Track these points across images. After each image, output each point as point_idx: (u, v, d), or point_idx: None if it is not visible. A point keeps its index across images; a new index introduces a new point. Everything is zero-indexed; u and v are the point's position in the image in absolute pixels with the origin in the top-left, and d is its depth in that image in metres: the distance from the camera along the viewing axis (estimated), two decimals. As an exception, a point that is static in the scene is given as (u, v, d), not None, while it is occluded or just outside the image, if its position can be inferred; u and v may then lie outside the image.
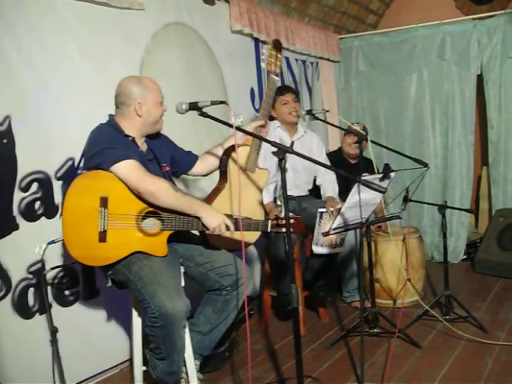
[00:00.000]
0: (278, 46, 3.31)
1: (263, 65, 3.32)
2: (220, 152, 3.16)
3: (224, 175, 3.09)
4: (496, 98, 5.54)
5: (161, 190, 2.63)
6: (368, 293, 4.10)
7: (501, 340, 3.53)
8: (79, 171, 3.13)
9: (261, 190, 3.23)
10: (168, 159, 2.98)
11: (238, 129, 2.59)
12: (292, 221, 2.64)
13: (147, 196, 2.62)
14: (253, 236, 3.07)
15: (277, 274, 3.97)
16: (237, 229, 2.70)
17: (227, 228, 2.69)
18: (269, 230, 2.77)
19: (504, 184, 5.61)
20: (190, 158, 3.17)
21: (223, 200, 3.04)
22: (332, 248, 3.84)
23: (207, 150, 3.26)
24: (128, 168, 2.61)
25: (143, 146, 2.85)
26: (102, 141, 2.65)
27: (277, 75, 3.31)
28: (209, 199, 3.08)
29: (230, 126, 2.54)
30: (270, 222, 2.76)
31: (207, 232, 2.72)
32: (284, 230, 2.71)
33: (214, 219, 2.67)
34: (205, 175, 3.29)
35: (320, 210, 3.74)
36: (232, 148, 3.09)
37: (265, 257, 4.14)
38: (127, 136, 2.74)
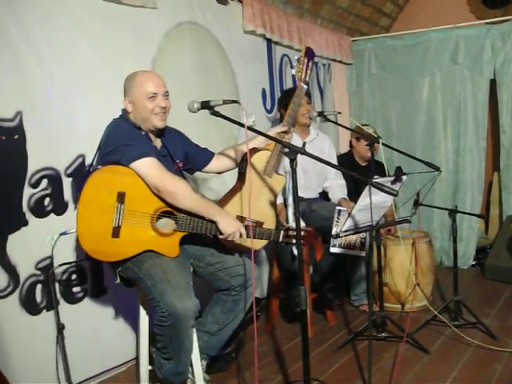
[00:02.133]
0: (310, 54, 3.30)
1: (293, 71, 3.33)
2: (234, 154, 3.17)
3: (242, 177, 3.08)
4: (509, 103, 5.52)
5: (180, 191, 2.63)
6: (376, 296, 4.07)
7: (510, 347, 3.50)
8: (92, 169, 3.13)
9: (275, 196, 3.23)
10: (181, 156, 2.98)
11: (250, 129, 2.57)
12: (303, 233, 2.67)
13: (166, 195, 2.62)
14: (260, 243, 3.05)
15: (286, 276, 3.96)
16: (249, 236, 2.70)
17: (240, 235, 2.70)
18: (280, 239, 2.79)
19: (515, 190, 5.58)
20: (206, 156, 3.16)
21: (238, 201, 3.05)
22: (349, 249, 3.78)
23: (224, 149, 3.29)
24: (148, 165, 2.61)
25: (156, 142, 2.85)
26: (118, 136, 2.66)
27: (306, 83, 3.31)
28: (225, 199, 3.09)
29: (242, 125, 2.53)
30: (281, 232, 2.78)
31: (220, 237, 2.72)
32: (294, 241, 2.72)
33: (230, 226, 2.68)
34: (218, 173, 3.33)
35: (338, 207, 3.70)
36: (253, 150, 3.09)
37: (274, 259, 4.12)
38: (140, 129, 2.75)
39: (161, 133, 2.86)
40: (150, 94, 2.71)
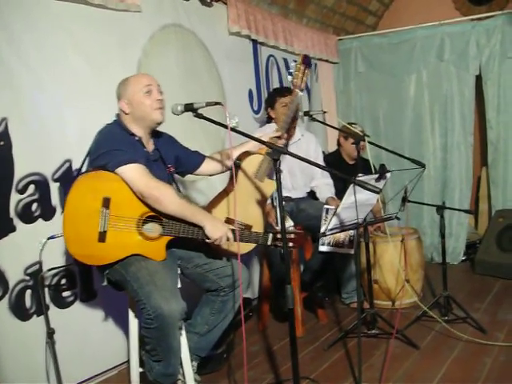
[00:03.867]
0: (307, 61, 3.33)
1: (289, 78, 3.37)
2: (225, 157, 3.19)
3: (233, 180, 3.10)
4: (495, 99, 5.54)
5: (165, 196, 2.63)
6: (366, 294, 4.09)
7: (499, 341, 3.53)
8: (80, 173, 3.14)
9: (266, 200, 3.23)
10: (172, 160, 2.99)
11: (234, 130, 2.59)
12: (292, 235, 2.69)
13: (151, 201, 2.63)
14: (247, 247, 3.03)
15: (275, 278, 3.97)
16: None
17: (227, 239, 2.71)
18: (268, 243, 2.80)
19: (503, 185, 5.61)
20: (197, 159, 3.18)
21: (228, 204, 3.05)
22: (338, 247, 3.80)
23: (217, 151, 3.32)
24: (134, 171, 2.62)
25: (149, 146, 2.86)
26: (108, 142, 2.66)
27: (302, 90, 3.33)
28: (214, 202, 3.09)
29: (225, 127, 2.54)
30: (270, 235, 2.79)
31: (207, 241, 2.73)
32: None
33: (217, 230, 2.68)
34: (210, 175, 3.36)
35: (326, 206, 3.72)
36: (245, 154, 3.10)
37: (264, 258, 4.13)
38: (133, 135, 2.76)
39: (155, 133, 2.88)
40: (146, 88, 2.74)
